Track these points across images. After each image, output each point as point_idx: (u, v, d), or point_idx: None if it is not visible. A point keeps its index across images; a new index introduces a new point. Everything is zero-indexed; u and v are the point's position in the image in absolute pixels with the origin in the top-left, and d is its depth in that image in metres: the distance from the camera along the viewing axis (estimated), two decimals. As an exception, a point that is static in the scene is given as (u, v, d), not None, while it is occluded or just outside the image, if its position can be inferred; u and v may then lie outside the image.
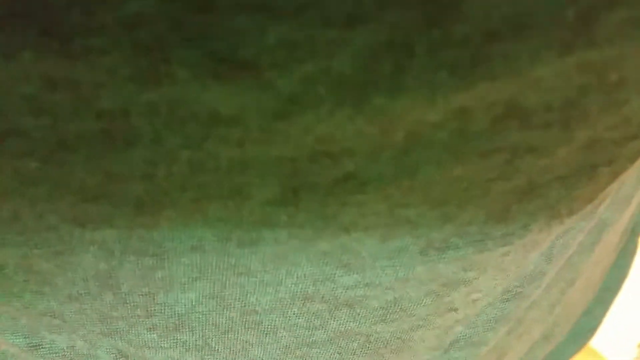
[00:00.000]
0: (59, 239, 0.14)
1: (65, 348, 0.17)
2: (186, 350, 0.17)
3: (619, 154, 0.15)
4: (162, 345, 0.17)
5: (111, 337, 0.17)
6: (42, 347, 0.17)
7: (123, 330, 0.17)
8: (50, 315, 0.16)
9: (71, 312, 0.16)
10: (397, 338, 0.18)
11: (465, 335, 0.20)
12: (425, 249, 0.16)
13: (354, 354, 0.18)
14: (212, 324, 0.17)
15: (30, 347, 0.17)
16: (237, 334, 0.17)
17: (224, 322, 0.17)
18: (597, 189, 0.16)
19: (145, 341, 0.17)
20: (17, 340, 0.17)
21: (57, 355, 0.17)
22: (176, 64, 0.10)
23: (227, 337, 0.17)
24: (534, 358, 0.27)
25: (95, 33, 0.10)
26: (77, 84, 0.11)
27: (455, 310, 0.18)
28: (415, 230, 0.15)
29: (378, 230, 0.15)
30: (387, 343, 0.18)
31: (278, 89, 0.11)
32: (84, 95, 0.11)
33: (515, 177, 0.14)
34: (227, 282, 0.16)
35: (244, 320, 0.17)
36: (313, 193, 0.14)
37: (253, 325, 0.17)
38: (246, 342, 0.17)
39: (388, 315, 0.17)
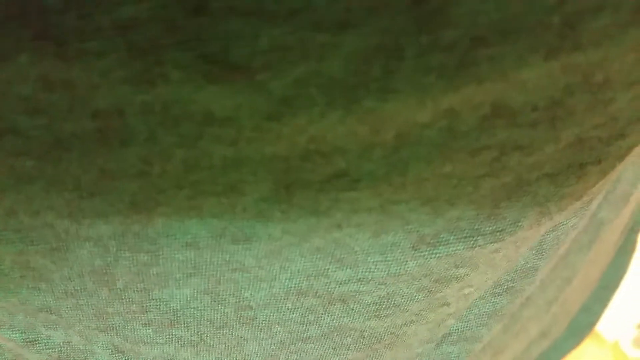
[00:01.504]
0: (55, 235, 0.14)
1: (61, 343, 0.18)
2: (181, 346, 0.18)
3: (607, 152, 0.15)
4: (158, 340, 0.18)
5: (107, 333, 0.17)
6: (38, 343, 0.18)
7: (119, 325, 0.17)
8: (47, 311, 0.17)
9: (67, 307, 0.16)
10: (391, 333, 0.19)
11: (458, 329, 0.20)
12: (417, 244, 0.16)
13: (348, 349, 0.19)
14: (207, 319, 0.17)
15: (27, 342, 0.17)
16: (232, 329, 0.17)
17: (218, 317, 0.17)
18: (586, 187, 0.17)
19: (140, 337, 0.17)
20: (14, 335, 0.17)
21: (54, 350, 0.18)
22: (170, 66, 0.11)
23: (222, 332, 0.17)
24: (531, 355, 0.28)
25: (91, 36, 0.10)
26: (73, 85, 0.11)
27: (448, 304, 0.19)
28: (406, 226, 0.15)
29: (370, 226, 0.15)
30: (381, 338, 0.19)
31: (271, 90, 0.11)
32: (79, 95, 0.11)
33: (503, 174, 0.15)
34: (222, 277, 0.16)
35: (239, 315, 0.17)
36: (306, 190, 0.14)
37: (248, 321, 0.17)
38: (241, 337, 0.18)
39: (381, 311, 0.18)
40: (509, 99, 0.13)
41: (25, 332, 0.17)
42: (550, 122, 0.14)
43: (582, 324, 0.30)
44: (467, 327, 0.20)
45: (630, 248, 0.28)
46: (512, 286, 0.20)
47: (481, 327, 0.21)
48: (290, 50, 0.10)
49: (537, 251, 0.19)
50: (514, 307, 0.21)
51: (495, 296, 0.20)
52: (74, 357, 0.18)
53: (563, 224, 0.19)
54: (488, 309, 0.20)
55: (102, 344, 0.18)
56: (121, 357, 0.18)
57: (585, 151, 0.15)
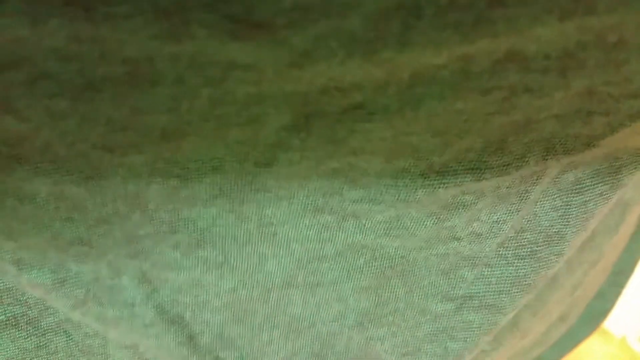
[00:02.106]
0: (89, 164, 0.15)
1: (89, 281, 0.18)
2: (207, 269, 0.19)
3: (616, 108, 0.16)
4: (184, 264, 0.18)
5: (136, 259, 0.18)
6: (67, 282, 0.18)
7: (148, 249, 0.18)
8: (78, 243, 0.17)
9: (99, 235, 0.17)
10: (402, 257, 0.20)
11: (479, 291, 0.21)
12: (426, 171, 0.17)
13: (361, 273, 0.20)
14: (232, 236, 0.18)
15: (56, 283, 0.18)
16: (255, 246, 0.18)
17: (242, 234, 0.18)
18: (594, 136, 0.17)
19: (168, 261, 0.18)
20: (44, 276, 0.18)
21: (81, 290, 0.18)
22: (195, 25, 0.11)
23: (245, 250, 0.19)
24: (550, 339, 0.28)
25: (118, 1, 0.10)
26: (102, 40, 0.11)
27: (458, 239, 0.19)
28: (417, 153, 0.16)
29: (383, 152, 0.16)
30: (392, 261, 0.20)
31: (292, 45, 0.12)
32: (109, 47, 0.12)
33: (512, 113, 0.15)
34: (245, 197, 0.17)
35: (261, 232, 0.18)
36: (323, 120, 0.15)
37: (269, 237, 0.18)
38: (262, 255, 0.19)
39: (391, 230, 0.19)
40: (522, 47, 0.13)
41: (55, 271, 0.18)
42: (561, 71, 0.14)
43: (596, 311, 0.30)
44: (488, 290, 0.21)
45: (644, 233, 0.29)
46: (536, 250, 0.20)
47: (503, 295, 0.21)
48: (312, 9, 0.11)
49: (562, 214, 0.20)
50: (538, 280, 0.21)
51: (518, 259, 0.20)
52: (101, 296, 0.19)
53: (590, 189, 0.19)
54: (511, 273, 0.20)
55: (131, 273, 0.18)
56: (148, 287, 0.19)
57: (594, 102, 0.16)
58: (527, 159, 0.17)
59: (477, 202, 0.18)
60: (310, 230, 0.18)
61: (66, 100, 0.13)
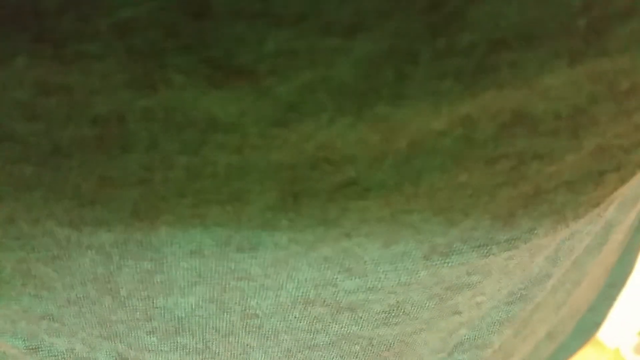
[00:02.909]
0: (56, 243, 0.14)
1: (64, 351, 0.17)
2: (187, 354, 0.17)
3: (627, 160, 0.15)
4: (162, 348, 0.17)
5: (111, 341, 0.17)
6: (41, 350, 0.17)
7: (123, 333, 0.17)
8: (49, 319, 0.16)
9: (70, 315, 0.16)
10: (400, 341, 0.18)
11: (470, 337, 0.20)
12: (429, 254, 0.15)
13: (356, 357, 0.18)
14: (213, 327, 0.17)
15: (30, 349, 0.17)
16: (238, 337, 0.17)
17: (224, 325, 0.17)
18: (604, 194, 0.16)
19: (145, 345, 0.17)
20: (17, 342, 0.17)
21: (57, 357, 0.18)
22: (172, 70, 0.10)
23: (228, 340, 0.17)
24: (539, 357, 0.27)
25: (89, 39, 0.10)
26: (71, 90, 0.10)
27: (460, 313, 0.18)
28: (418, 235, 0.15)
29: (380, 235, 0.15)
30: (390, 346, 0.18)
31: (277, 96, 0.11)
32: (78, 100, 0.11)
33: (521, 183, 0.14)
34: (227, 286, 0.16)
35: (245, 323, 0.17)
36: (314, 199, 0.13)
37: (254, 329, 0.17)
38: (247, 345, 0.17)
39: (391, 319, 0.17)
40: (530, 106, 0.12)
41: (27, 340, 0.17)
42: (573, 131, 0.13)
43: (588, 324, 0.29)
44: (479, 335, 0.20)
45: (636, 246, 0.28)
46: (525, 294, 0.19)
47: (493, 335, 0.20)
48: (298, 55, 0.10)
49: (552, 260, 0.19)
50: (525, 313, 0.20)
51: (508, 305, 0.20)
52: None
53: (579, 232, 0.18)
54: (500, 317, 0.20)
55: (106, 351, 0.17)
56: None
57: (605, 159, 0.15)
58: (536, 232, 0.16)
59: (483, 281, 0.17)
60: (300, 321, 0.17)
61: (31, 167, 0.12)
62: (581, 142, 0.14)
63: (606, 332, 0.53)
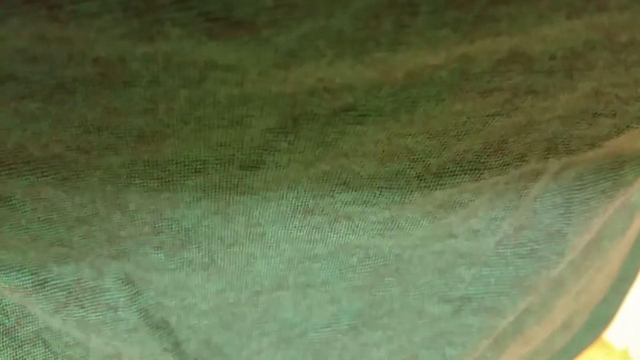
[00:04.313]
0: (65, 165, 0.14)
1: (71, 282, 0.18)
2: (192, 271, 0.18)
3: (624, 110, 0.15)
4: (169, 266, 0.18)
5: (119, 260, 0.17)
6: (47, 284, 0.17)
7: (131, 250, 0.17)
8: (59, 244, 0.17)
9: (79, 236, 0.17)
10: (396, 255, 0.19)
11: (478, 292, 0.20)
12: (422, 173, 0.16)
13: (354, 272, 0.19)
14: (218, 237, 0.17)
15: (36, 285, 0.17)
16: (242, 246, 0.18)
17: (229, 235, 0.17)
18: (599, 137, 0.16)
19: (152, 262, 0.18)
20: (24, 278, 0.17)
21: (63, 292, 0.18)
22: (169, 24, 0.10)
23: (232, 250, 0.18)
24: (553, 347, 0.27)
25: None
26: (70, 40, 0.11)
27: (455, 237, 0.19)
28: (412, 155, 0.15)
29: (376, 154, 0.15)
30: (386, 259, 0.19)
31: (276, 45, 0.11)
32: (78, 47, 0.11)
33: (514, 114, 0.15)
34: (231, 200, 0.16)
35: (249, 232, 0.17)
36: (313, 122, 0.14)
37: (257, 237, 0.18)
38: (250, 255, 0.18)
39: (386, 231, 0.18)
40: (526, 47, 0.12)
41: (36, 273, 0.17)
42: (567, 72, 0.13)
43: (600, 317, 0.29)
44: (487, 292, 0.20)
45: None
46: (537, 249, 0.19)
47: (503, 297, 0.20)
48: (297, 6, 0.10)
49: (564, 212, 0.19)
50: (539, 281, 0.20)
51: (518, 258, 0.19)
52: (82, 299, 0.18)
53: (591, 185, 0.18)
54: (510, 273, 0.20)
55: (113, 274, 0.18)
56: (131, 289, 0.18)
57: (600, 103, 0.15)
58: (527, 159, 0.16)
59: (475, 200, 0.18)
60: (300, 231, 0.18)
61: (36, 102, 0.12)
62: (575, 84, 0.14)
63: (614, 332, 0.53)
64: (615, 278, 0.28)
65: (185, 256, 0.18)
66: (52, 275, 0.17)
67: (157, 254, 0.17)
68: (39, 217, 0.16)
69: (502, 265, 0.20)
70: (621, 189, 0.19)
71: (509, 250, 0.19)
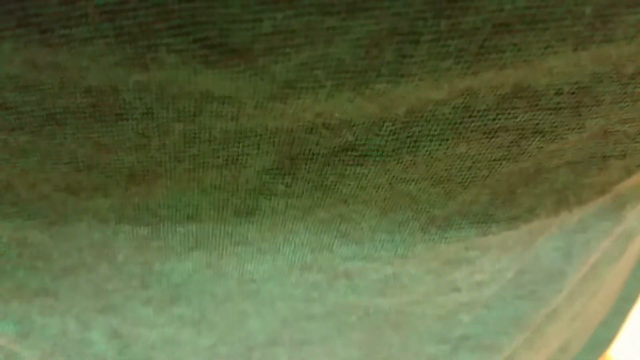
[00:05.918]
0: (53, 208, 0.14)
1: (56, 334, 0.17)
2: (182, 326, 0.17)
3: (634, 148, 0.15)
4: (158, 321, 0.17)
5: (105, 314, 0.17)
6: (32, 334, 0.17)
7: (118, 304, 0.17)
8: (44, 294, 0.16)
9: (65, 288, 0.16)
10: (397, 311, 0.18)
11: (476, 333, 0.20)
12: (427, 226, 0.15)
13: (352, 329, 0.18)
14: (209, 293, 0.17)
15: (21, 335, 0.17)
16: (235, 303, 0.17)
17: (221, 291, 0.17)
18: (609, 182, 0.16)
19: (140, 317, 0.17)
20: (8, 327, 0.17)
21: (48, 342, 0.17)
22: (164, 51, 0.10)
23: (225, 307, 0.17)
24: None
25: (76, 23, 0.09)
26: (62, 67, 0.10)
27: (459, 290, 0.18)
28: (416, 205, 0.15)
29: (378, 202, 0.15)
30: (387, 316, 0.18)
31: (274, 74, 0.11)
32: (70, 75, 0.11)
33: (521, 159, 0.14)
34: (224, 251, 0.16)
35: (242, 289, 0.17)
36: (311, 162, 0.13)
37: (251, 294, 0.17)
38: (243, 312, 0.17)
39: (387, 290, 0.17)
40: (532, 81, 0.12)
41: (19, 323, 0.17)
42: (575, 109, 0.13)
43: (600, 339, 0.29)
44: (486, 331, 0.20)
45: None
46: (536, 290, 0.19)
47: (502, 335, 0.20)
48: (295, 34, 0.10)
49: (564, 254, 0.19)
50: (537, 317, 0.20)
51: (518, 299, 0.19)
52: (69, 350, 0.18)
53: (593, 226, 0.18)
54: (509, 313, 0.19)
55: (100, 328, 0.17)
56: (119, 343, 0.18)
57: (609, 144, 0.14)
58: (537, 212, 0.16)
59: (482, 257, 0.17)
60: (297, 288, 0.17)
61: (26, 135, 0.12)
62: (583, 122, 0.13)
63: (617, 349, 0.53)
64: (615, 299, 0.28)
65: (175, 312, 0.17)
66: (36, 327, 0.17)
67: (146, 309, 0.17)
68: (24, 264, 0.15)
69: (501, 306, 0.19)
70: (621, 225, 0.19)
71: (509, 293, 0.19)
